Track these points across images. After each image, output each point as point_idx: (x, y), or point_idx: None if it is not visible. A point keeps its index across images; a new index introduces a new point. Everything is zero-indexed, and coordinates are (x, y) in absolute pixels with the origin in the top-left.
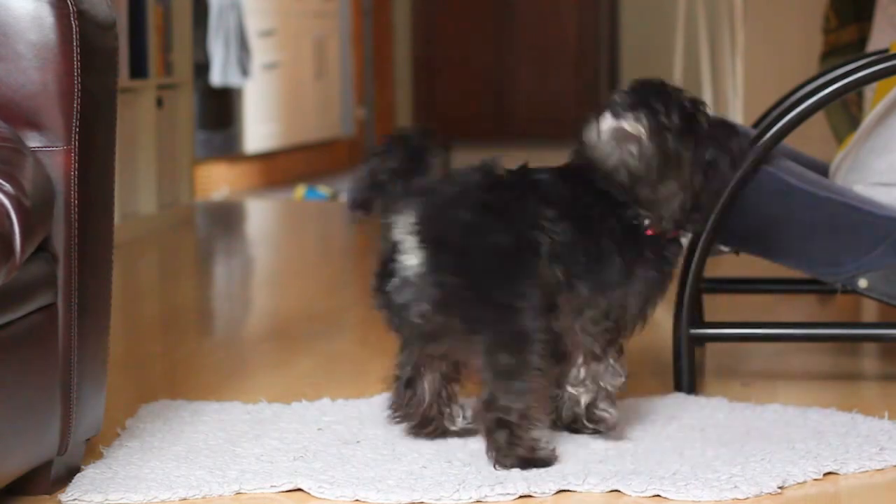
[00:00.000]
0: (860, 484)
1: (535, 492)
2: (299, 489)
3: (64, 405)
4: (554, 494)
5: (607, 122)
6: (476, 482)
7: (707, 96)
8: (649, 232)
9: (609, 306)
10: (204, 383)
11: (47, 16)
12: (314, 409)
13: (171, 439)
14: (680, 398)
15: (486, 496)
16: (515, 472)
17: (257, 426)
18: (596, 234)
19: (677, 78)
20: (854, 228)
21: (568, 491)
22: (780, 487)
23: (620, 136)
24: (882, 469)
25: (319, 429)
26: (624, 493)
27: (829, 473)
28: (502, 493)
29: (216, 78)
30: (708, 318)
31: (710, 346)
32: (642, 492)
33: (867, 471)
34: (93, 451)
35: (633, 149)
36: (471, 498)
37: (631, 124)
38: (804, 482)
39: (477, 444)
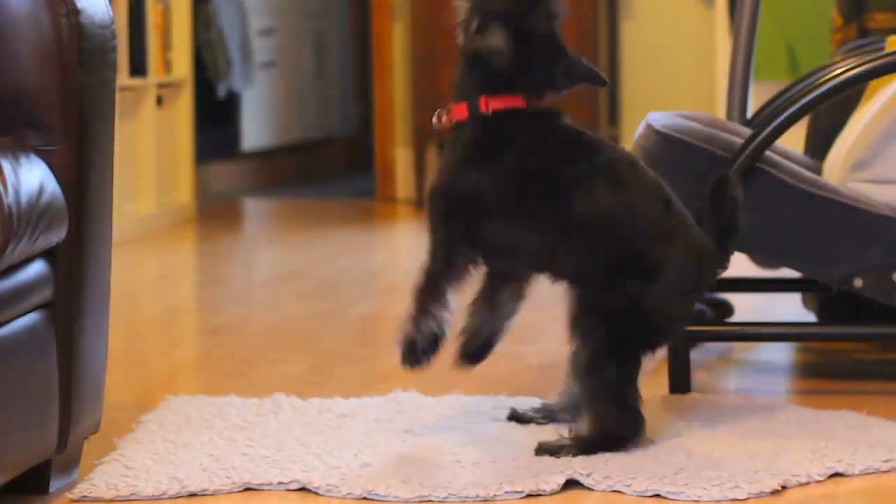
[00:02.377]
0: (865, 486)
1: (545, 490)
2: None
3: (63, 403)
4: (557, 493)
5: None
6: (485, 482)
7: (707, 96)
8: None
9: None
10: (203, 382)
11: (45, 15)
12: (321, 407)
13: (187, 433)
14: (696, 397)
15: (494, 496)
16: (523, 469)
17: (253, 421)
18: None
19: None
20: (849, 227)
21: (575, 487)
22: (782, 487)
23: None
24: (889, 472)
25: (327, 427)
26: (624, 494)
27: (835, 475)
28: (509, 490)
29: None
30: None
31: (709, 346)
32: (643, 491)
33: (874, 473)
34: (107, 443)
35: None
36: (478, 496)
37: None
38: (807, 483)
39: (483, 443)
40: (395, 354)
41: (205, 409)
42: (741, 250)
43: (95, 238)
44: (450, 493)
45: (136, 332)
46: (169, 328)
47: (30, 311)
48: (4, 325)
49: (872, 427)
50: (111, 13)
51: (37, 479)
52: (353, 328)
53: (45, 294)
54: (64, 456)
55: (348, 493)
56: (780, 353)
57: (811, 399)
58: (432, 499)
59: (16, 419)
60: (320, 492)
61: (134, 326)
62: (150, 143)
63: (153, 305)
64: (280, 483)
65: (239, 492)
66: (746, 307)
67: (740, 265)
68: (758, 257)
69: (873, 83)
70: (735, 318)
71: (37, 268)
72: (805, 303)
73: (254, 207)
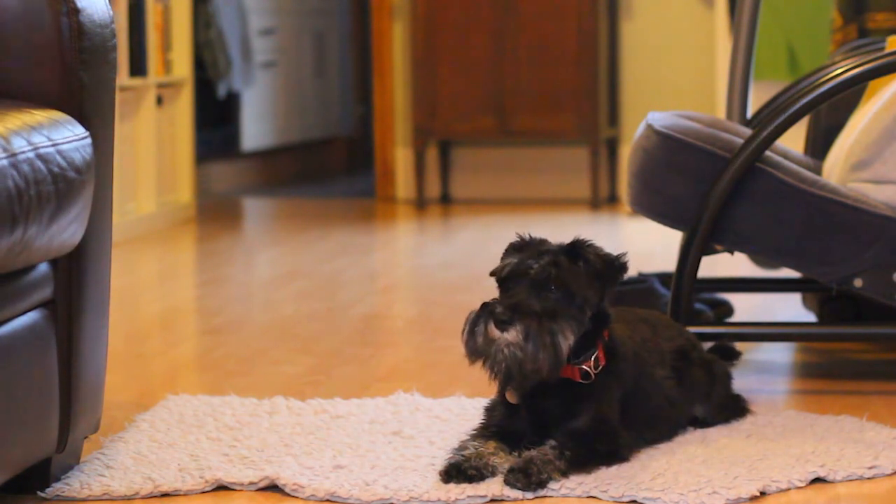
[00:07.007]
0: (847, 493)
1: (509, 496)
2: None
3: (63, 403)
4: (531, 500)
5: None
6: (451, 486)
7: (707, 96)
8: None
9: None
10: (203, 383)
11: (45, 14)
12: (317, 408)
13: (177, 433)
14: None
15: (455, 500)
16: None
17: (245, 422)
18: None
19: (679, 79)
20: (849, 227)
21: (545, 497)
22: (761, 493)
23: None
24: (872, 479)
25: (329, 429)
26: (600, 499)
27: (818, 480)
28: (472, 494)
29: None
30: None
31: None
32: (619, 497)
33: (857, 479)
34: (97, 443)
35: None
36: (439, 500)
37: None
38: (788, 489)
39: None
40: None
41: (200, 409)
42: (741, 250)
43: (95, 237)
44: (412, 497)
45: (136, 332)
46: (169, 328)
47: (30, 310)
48: (5, 323)
49: (867, 432)
50: (111, 13)
51: (37, 478)
52: (353, 328)
53: (46, 293)
54: (64, 455)
55: (311, 495)
56: (780, 353)
57: (811, 399)
58: (393, 501)
59: (16, 418)
60: (286, 490)
61: (134, 326)
62: (150, 143)
63: (153, 305)
64: (251, 483)
65: (210, 491)
66: (746, 307)
67: (740, 265)
68: (758, 257)
69: (873, 83)
70: (735, 318)
71: (37, 266)
72: (805, 303)
73: (254, 207)
